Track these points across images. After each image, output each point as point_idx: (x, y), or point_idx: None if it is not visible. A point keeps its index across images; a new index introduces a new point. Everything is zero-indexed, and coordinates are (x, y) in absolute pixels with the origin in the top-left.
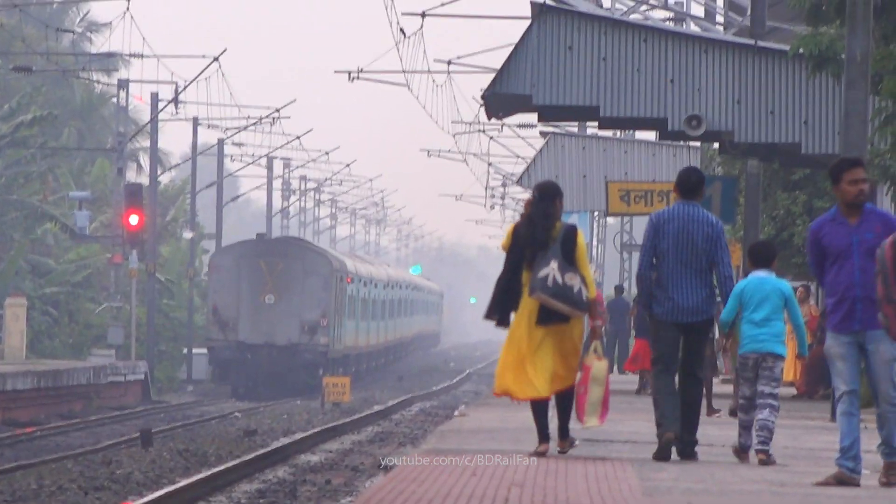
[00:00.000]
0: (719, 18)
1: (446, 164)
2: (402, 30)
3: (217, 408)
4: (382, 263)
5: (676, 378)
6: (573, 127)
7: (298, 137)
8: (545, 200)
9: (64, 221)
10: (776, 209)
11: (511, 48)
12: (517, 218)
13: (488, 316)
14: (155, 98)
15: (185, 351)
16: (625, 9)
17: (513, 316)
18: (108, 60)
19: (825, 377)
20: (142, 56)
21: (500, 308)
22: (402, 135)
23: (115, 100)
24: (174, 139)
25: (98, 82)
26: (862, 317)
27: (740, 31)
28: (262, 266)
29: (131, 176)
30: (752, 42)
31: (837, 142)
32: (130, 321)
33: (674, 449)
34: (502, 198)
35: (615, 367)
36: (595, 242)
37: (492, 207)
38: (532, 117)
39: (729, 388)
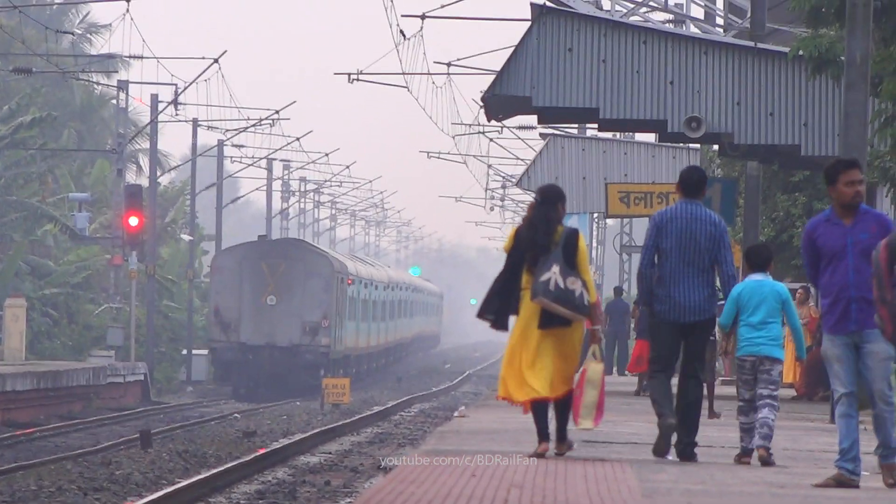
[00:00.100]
0: (719, 20)
1: (446, 165)
2: (401, 31)
3: (216, 409)
4: (383, 265)
5: (674, 380)
6: (573, 129)
7: (298, 139)
8: (547, 204)
9: (64, 222)
10: (776, 211)
11: (511, 50)
12: (517, 220)
13: (480, 315)
14: (155, 99)
15: (185, 352)
16: (624, 10)
17: (513, 320)
18: (108, 62)
19: (824, 379)
20: (141, 57)
21: (491, 308)
22: (402, 136)
23: (114, 101)
24: (174, 140)
25: (98, 84)
26: (857, 317)
27: (740, 33)
28: (264, 267)
29: (131, 177)
30: (751, 44)
31: (837, 144)
32: (130, 322)
33: (673, 450)
34: (502, 199)
35: (615, 369)
36: (595, 244)
37: (491, 209)
38: (532, 119)
39: (730, 391)
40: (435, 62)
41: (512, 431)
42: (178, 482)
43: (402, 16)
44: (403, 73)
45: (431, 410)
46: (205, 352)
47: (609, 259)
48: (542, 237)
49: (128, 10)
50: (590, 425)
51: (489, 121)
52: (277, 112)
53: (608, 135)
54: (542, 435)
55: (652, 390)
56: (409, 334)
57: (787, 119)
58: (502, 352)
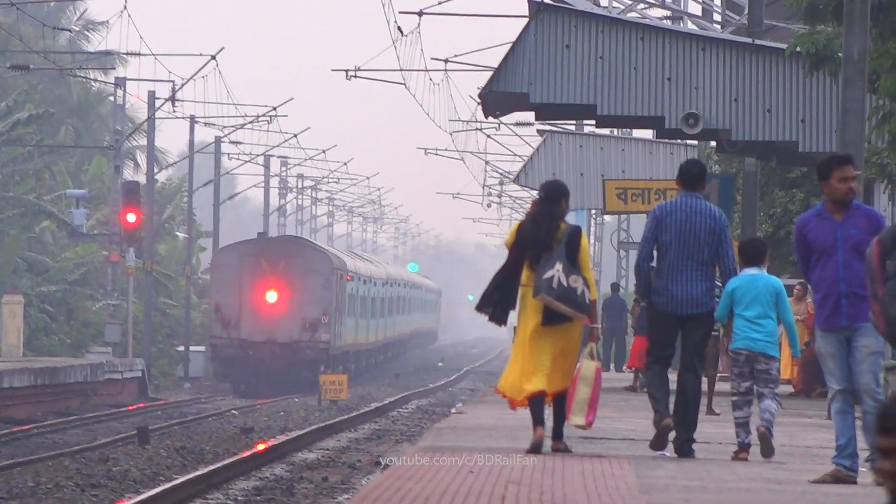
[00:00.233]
0: (717, 17)
1: (443, 162)
2: (399, 28)
3: (214, 405)
4: (381, 261)
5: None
6: (570, 125)
7: (296, 135)
8: (551, 200)
9: (63, 218)
10: (773, 207)
11: (508, 47)
12: (514, 216)
13: (479, 308)
14: (152, 96)
15: (181, 349)
16: (622, 7)
17: (513, 316)
18: (106, 59)
19: (821, 375)
20: (139, 54)
21: (490, 302)
22: (400, 133)
23: (112, 98)
24: (171, 137)
25: (95, 80)
26: (848, 312)
27: (737, 30)
28: (264, 264)
29: (128, 174)
30: (749, 40)
31: (835, 140)
32: (127, 319)
33: (671, 446)
34: (499, 196)
35: (612, 366)
36: (592, 241)
37: (489, 205)
38: (529, 115)
39: (728, 387)
40: (432, 59)
41: (509, 428)
42: (176, 479)
43: (400, 12)
44: (401, 70)
45: (429, 407)
46: (202, 348)
47: (607, 255)
48: (545, 234)
49: (125, 7)
50: (581, 421)
51: (486, 117)
52: (275, 109)
53: (606, 131)
54: (538, 420)
55: (649, 384)
56: (407, 331)
57: (785, 115)
58: (500, 349)
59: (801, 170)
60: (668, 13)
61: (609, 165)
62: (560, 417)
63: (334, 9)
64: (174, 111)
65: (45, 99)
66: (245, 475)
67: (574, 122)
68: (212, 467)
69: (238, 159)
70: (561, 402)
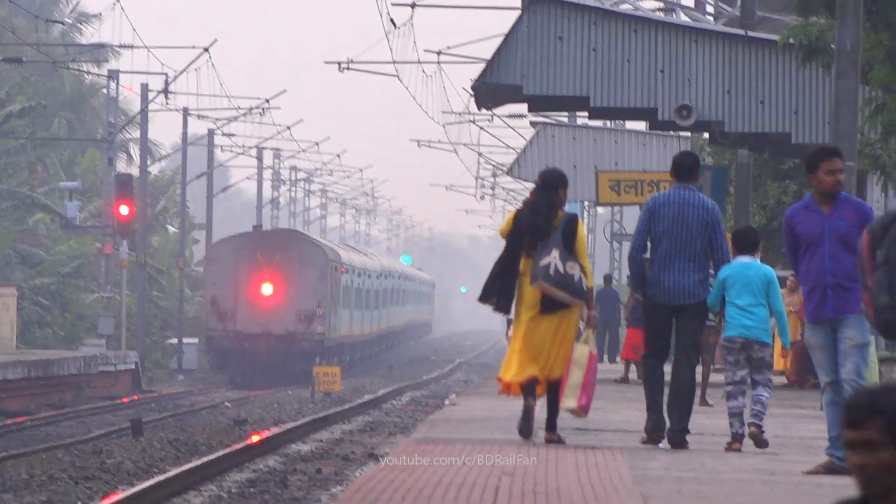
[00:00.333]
0: (709, 8)
1: (437, 154)
2: (392, 20)
3: (207, 397)
4: (375, 253)
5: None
6: (563, 117)
7: (289, 128)
8: (549, 189)
9: (56, 210)
10: (766, 199)
11: (501, 38)
12: (508, 208)
13: (483, 299)
14: (145, 88)
15: (174, 341)
16: None
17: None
18: (98, 51)
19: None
20: (132, 47)
21: (493, 292)
22: (393, 125)
23: (105, 90)
24: (164, 130)
25: (88, 73)
26: (834, 304)
27: (730, 22)
28: (260, 257)
29: (121, 166)
30: (742, 32)
31: (828, 131)
32: (121, 311)
33: (665, 438)
34: (493, 188)
35: (605, 357)
36: (585, 232)
37: (482, 197)
38: (522, 107)
39: (722, 378)
40: (425, 51)
41: (503, 419)
42: (170, 470)
43: (393, 4)
44: (394, 62)
45: (422, 399)
46: (195, 340)
47: (600, 247)
48: (543, 221)
49: (118, 0)
50: (573, 405)
51: (480, 109)
52: (268, 101)
53: (599, 123)
54: (528, 391)
55: (644, 377)
56: (401, 322)
57: (778, 107)
58: (493, 340)
59: (795, 161)
60: (661, 5)
61: (602, 157)
62: (554, 408)
63: (327, 1)
64: (167, 103)
65: (38, 91)
66: (239, 467)
67: (567, 113)
68: (205, 459)
69: (231, 151)
70: (555, 393)
